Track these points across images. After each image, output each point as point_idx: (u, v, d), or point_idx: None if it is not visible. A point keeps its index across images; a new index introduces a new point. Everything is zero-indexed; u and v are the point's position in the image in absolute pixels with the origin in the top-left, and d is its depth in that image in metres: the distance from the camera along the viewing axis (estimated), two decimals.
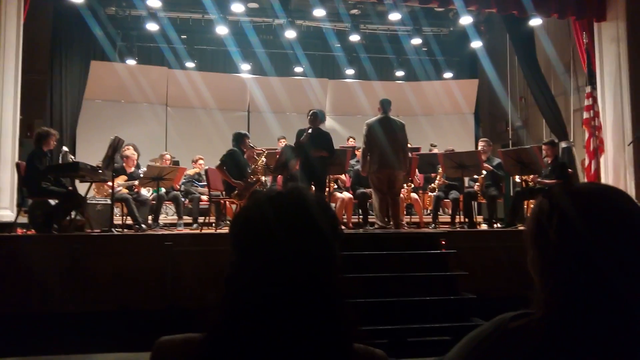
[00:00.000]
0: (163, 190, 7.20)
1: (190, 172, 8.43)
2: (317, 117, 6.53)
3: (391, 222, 6.48)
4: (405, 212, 7.59)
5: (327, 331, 0.83)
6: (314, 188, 6.30)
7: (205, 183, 7.49)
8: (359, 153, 8.08)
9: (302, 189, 0.93)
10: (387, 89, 11.25)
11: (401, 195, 7.19)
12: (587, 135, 7.95)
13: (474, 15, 10.22)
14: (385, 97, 6.75)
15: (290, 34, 10.74)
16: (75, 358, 4.42)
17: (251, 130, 10.19)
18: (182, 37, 11.20)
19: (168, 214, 8.62)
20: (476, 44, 11.03)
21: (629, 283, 0.79)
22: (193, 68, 11.38)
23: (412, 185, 7.80)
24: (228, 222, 7.25)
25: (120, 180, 6.95)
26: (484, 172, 7.06)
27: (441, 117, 11.99)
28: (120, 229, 6.40)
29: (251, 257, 0.86)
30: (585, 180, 7.92)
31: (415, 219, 7.95)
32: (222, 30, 10.46)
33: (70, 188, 5.99)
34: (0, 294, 4.93)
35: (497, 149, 7.83)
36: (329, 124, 11.95)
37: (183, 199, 7.62)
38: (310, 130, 6.42)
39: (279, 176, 7.26)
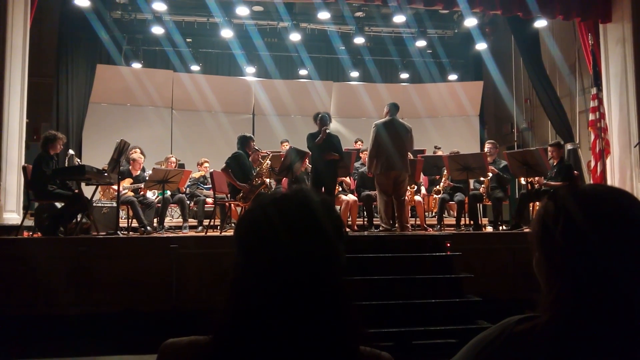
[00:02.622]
0: (168, 193, 7.22)
1: (196, 174, 8.45)
2: (327, 119, 6.57)
3: (396, 225, 6.47)
4: (409, 215, 7.59)
5: (333, 333, 0.83)
6: (324, 190, 6.32)
7: (211, 186, 7.50)
8: (363, 155, 8.10)
9: (307, 190, 0.93)
10: (391, 91, 11.27)
11: (406, 197, 7.19)
12: (592, 136, 7.91)
13: (479, 17, 10.21)
14: (391, 101, 6.79)
15: (295, 36, 10.77)
16: None
17: (256, 133, 10.22)
18: (188, 40, 11.25)
19: (173, 217, 8.65)
20: (481, 46, 11.01)
21: (636, 286, 0.79)
22: (198, 71, 11.43)
23: (416, 188, 7.79)
24: (233, 224, 7.27)
25: (126, 183, 6.97)
26: (490, 174, 7.05)
27: (446, 119, 11.98)
28: (125, 232, 6.42)
29: (256, 259, 0.86)
30: (591, 182, 7.89)
31: (418, 221, 7.93)
32: (227, 33, 10.49)
33: (76, 191, 6.02)
34: (6, 297, 4.96)
35: (502, 151, 7.81)
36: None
37: (188, 202, 7.63)
38: (326, 129, 6.46)
39: (284, 179, 7.26)
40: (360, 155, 8.19)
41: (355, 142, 9.73)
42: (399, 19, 10.22)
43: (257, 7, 10.68)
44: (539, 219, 0.89)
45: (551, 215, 0.86)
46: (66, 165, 6.87)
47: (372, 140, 6.45)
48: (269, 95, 11.33)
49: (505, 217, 7.80)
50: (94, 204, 6.69)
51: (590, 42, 8.14)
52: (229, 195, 6.91)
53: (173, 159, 8.23)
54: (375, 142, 6.41)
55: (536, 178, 6.94)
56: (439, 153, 9.00)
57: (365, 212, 7.50)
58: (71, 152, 7.00)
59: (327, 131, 6.53)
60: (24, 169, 6.14)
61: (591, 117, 7.94)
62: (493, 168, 7.07)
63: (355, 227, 7.39)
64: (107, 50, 10.34)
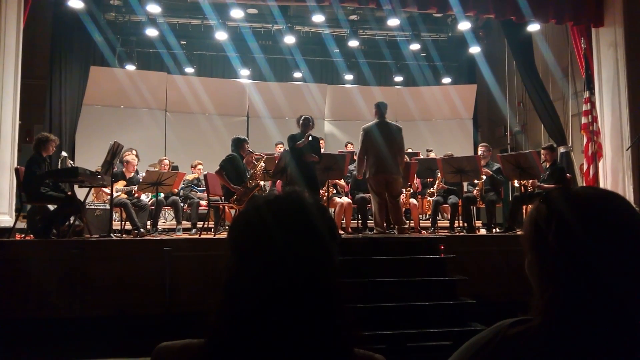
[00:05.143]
0: (162, 195, 7.19)
1: (190, 177, 8.43)
2: (310, 123, 6.52)
3: (391, 227, 6.46)
4: (404, 218, 7.59)
5: (327, 335, 0.83)
6: (307, 191, 6.26)
7: (204, 188, 7.49)
8: None
9: (300, 192, 0.93)
10: (385, 94, 11.27)
11: (400, 200, 7.19)
12: (585, 140, 7.96)
13: (472, 20, 10.25)
14: (382, 101, 6.74)
15: (290, 39, 10.77)
16: None
17: (250, 136, 10.20)
18: (182, 42, 11.22)
19: (167, 219, 8.61)
20: (474, 50, 11.05)
21: (628, 288, 0.79)
22: (192, 73, 11.40)
23: (411, 190, 7.80)
24: (227, 227, 7.24)
25: (119, 185, 6.95)
26: (484, 176, 7.07)
27: (440, 122, 12.02)
28: (119, 234, 6.39)
29: (249, 261, 0.86)
30: (584, 184, 7.93)
31: (412, 223, 7.93)
32: (221, 35, 10.48)
33: (69, 193, 5.98)
34: None
35: (495, 154, 7.84)
36: (328, 128, 11.98)
37: (182, 204, 7.61)
38: (310, 136, 6.42)
39: (279, 181, 7.25)
40: (354, 158, 8.19)
41: (346, 145, 9.74)
42: (393, 22, 10.25)
43: (252, 10, 10.68)
44: (532, 222, 0.89)
45: (544, 217, 0.86)
46: (59, 167, 6.83)
47: (361, 144, 6.43)
48: (264, 98, 11.32)
49: (498, 220, 7.82)
50: (87, 206, 6.66)
51: (582, 45, 8.20)
52: (222, 197, 6.90)
53: (166, 161, 8.21)
54: (364, 146, 6.39)
55: (529, 181, 6.97)
56: (432, 155, 9.03)
57: (359, 215, 7.50)
58: (64, 154, 6.97)
59: (308, 134, 6.45)
60: (17, 171, 6.10)
61: (584, 120, 7.99)
62: (487, 170, 7.09)
63: (350, 230, 7.39)
64: (100, 52, 10.28)
